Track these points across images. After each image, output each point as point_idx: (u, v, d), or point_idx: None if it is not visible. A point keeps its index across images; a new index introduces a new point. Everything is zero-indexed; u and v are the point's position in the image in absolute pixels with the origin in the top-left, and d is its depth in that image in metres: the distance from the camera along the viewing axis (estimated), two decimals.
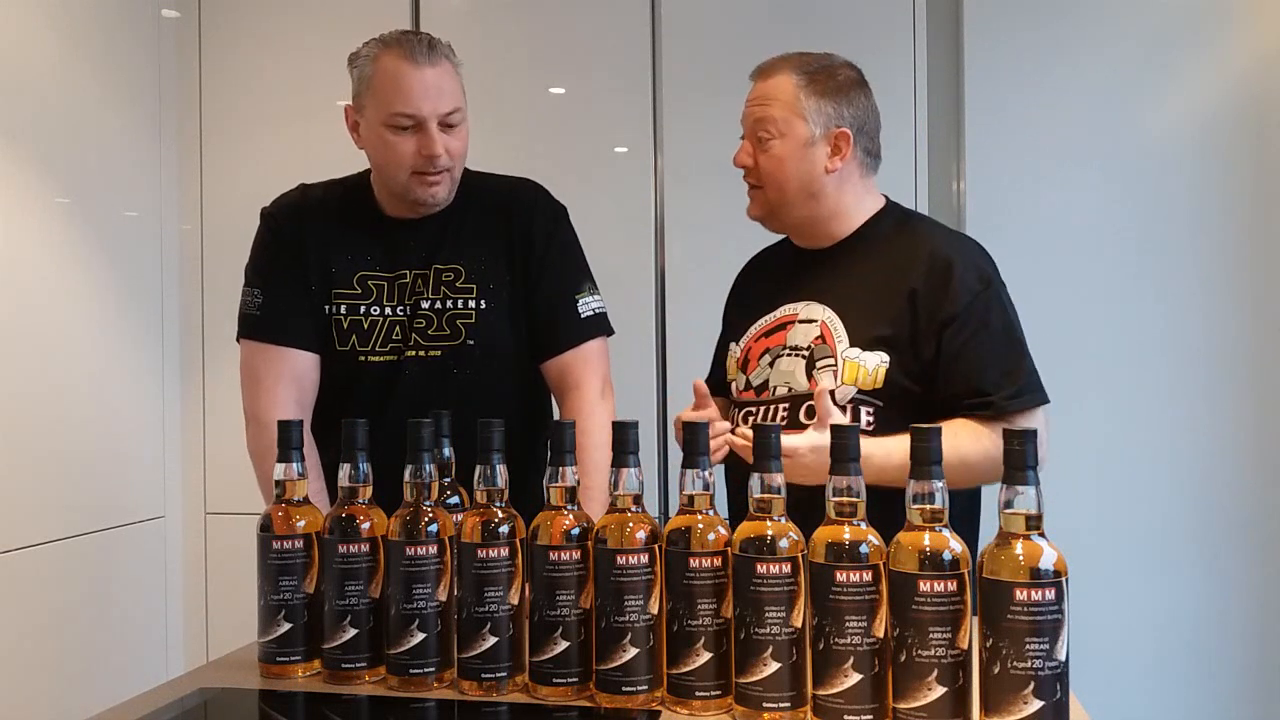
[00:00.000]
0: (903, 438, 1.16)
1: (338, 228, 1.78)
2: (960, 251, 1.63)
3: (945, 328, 1.56)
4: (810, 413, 1.56)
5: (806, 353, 1.62)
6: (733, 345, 1.75)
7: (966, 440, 1.49)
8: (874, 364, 1.58)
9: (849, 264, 1.67)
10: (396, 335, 1.74)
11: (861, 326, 1.60)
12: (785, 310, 1.68)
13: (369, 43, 1.73)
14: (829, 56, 1.67)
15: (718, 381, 1.78)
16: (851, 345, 1.59)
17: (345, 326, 1.74)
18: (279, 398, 1.70)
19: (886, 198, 1.73)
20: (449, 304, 1.75)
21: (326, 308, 1.75)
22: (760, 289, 1.77)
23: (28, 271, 2.31)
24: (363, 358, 1.74)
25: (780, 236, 1.80)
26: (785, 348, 1.65)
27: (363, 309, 1.74)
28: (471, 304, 1.75)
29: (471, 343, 1.74)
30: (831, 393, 1.54)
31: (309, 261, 1.76)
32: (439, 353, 1.74)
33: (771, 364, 1.66)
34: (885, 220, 1.70)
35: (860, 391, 1.57)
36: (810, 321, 1.64)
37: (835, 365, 1.59)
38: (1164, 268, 2.53)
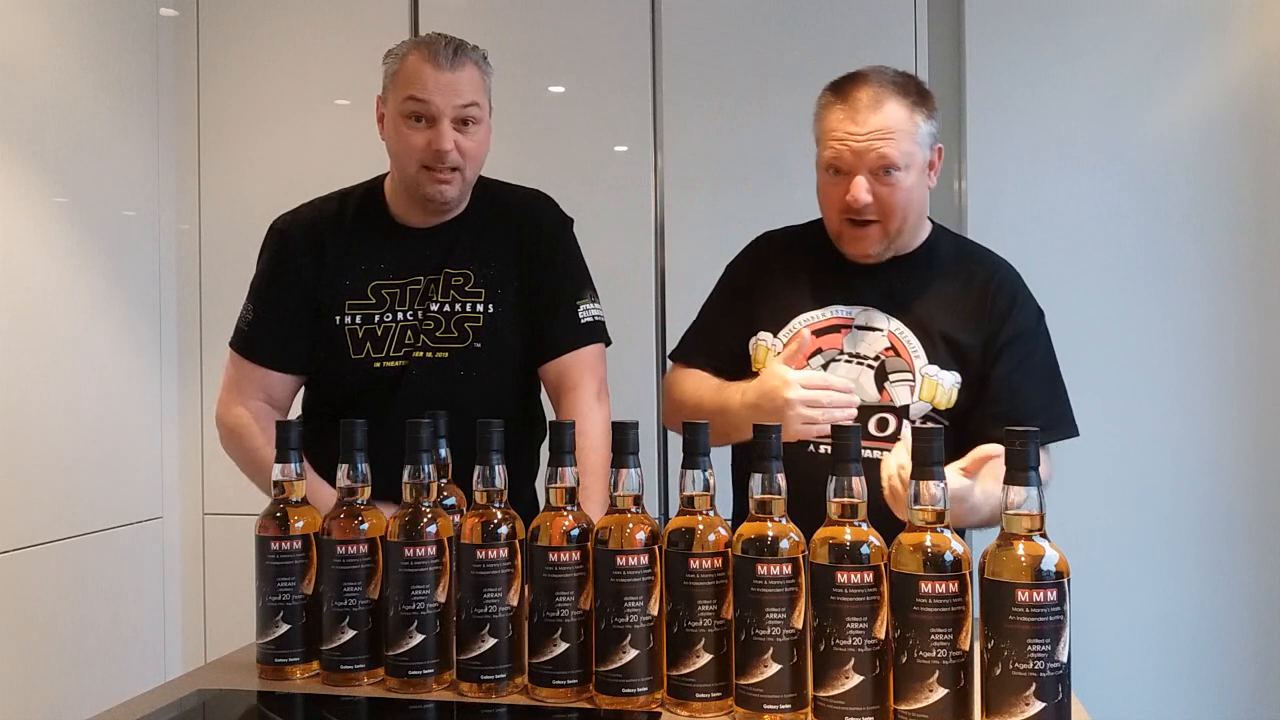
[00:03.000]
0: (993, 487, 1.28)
1: (352, 239, 1.79)
2: (1020, 282, 1.68)
3: (1005, 347, 1.58)
4: (880, 425, 1.57)
5: (875, 363, 1.60)
6: (767, 336, 1.68)
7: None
8: (950, 383, 1.58)
9: (914, 277, 1.65)
10: (408, 339, 1.75)
11: (938, 343, 1.59)
12: (837, 312, 1.64)
13: (405, 41, 1.77)
14: (908, 73, 1.63)
15: (705, 354, 1.73)
16: (930, 362, 1.58)
17: (360, 335, 1.76)
18: (246, 408, 1.77)
19: (931, 221, 1.73)
20: (457, 307, 1.76)
21: (338, 318, 1.76)
22: (794, 282, 1.70)
23: (26, 271, 2.30)
24: (377, 364, 1.75)
25: (784, 224, 1.79)
26: (842, 353, 1.62)
27: (376, 317, 1.76)
28: (480, 307, 1.77)
29: (479, 346, 1.76)
30: (906, 408, 1.57)
31: (321, 277, 1.77)
32: (446, 354, 1.75)
33: (825, 365, 1.62)
34: (944, 238, 1.71)
35: (934, 410, 1.58)
36: (873, 330, 1.61)
37: (913, 380, 1.58)
38: (1166, 266, 2.52)
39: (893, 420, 1.58)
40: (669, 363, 1.84)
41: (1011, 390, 1.58)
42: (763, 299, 1.71)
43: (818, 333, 1.63)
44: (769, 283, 1.72)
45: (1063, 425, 1.61)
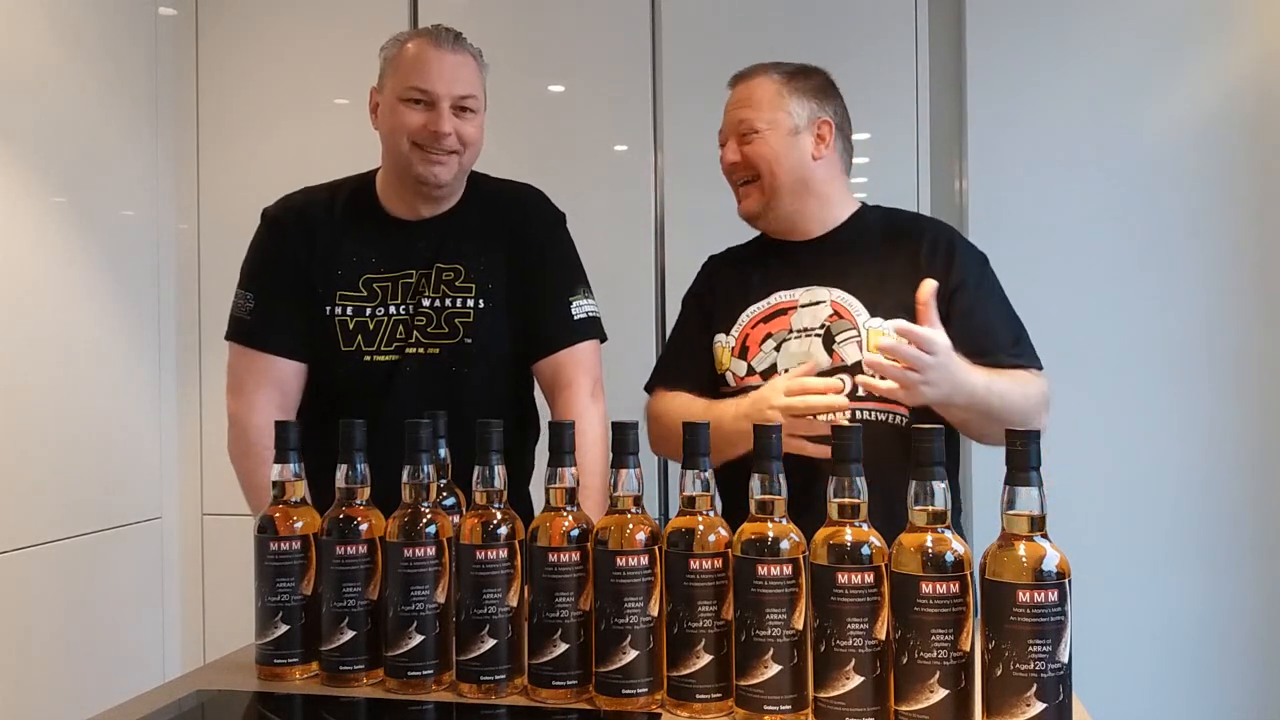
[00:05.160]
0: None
1: (342, 230, 1.78)
2: (956, 234, 1.76)
3: (955, 292, 1.64)
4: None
5: (820, 331, 1.65)
6: (722, 337, 1.74)
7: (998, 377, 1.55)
8: (892, 329, 1.60)
9: (846, 249, 1.72)
10: (400, 334, 1.74)
11: (879, 298, 1.65)
12: (781, 297, 1.70)
13: (403, 31, 1.79)
14: (804, 64, 1.76)
15: (684, 375, 1.76)
16: (872, 316, 1.64)
17: (351, 327, 1.74)
18: (260, 403, 1.73)
19: (862, 201, 1.80)
20: (448, 302, 1.75)
21: (328, 309, 1.75)
22: (741, 280, 1.77)
23: (24, 271, 2.30)
24: (368, 358, 1.74)
25: (752, 236, 1.84)
26: (791, 331, 1.67)
27: (368, 310, 1.75)
28: (470, 303, 1.76)
29: (469, 341, 1.75)
30: (858, 364, 1.60)
31: (313, 265, 1.76)
32: (438, 350, 1.74)
33: (777, 348, 1.67)
34: (871, 213, 1.78)
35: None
36: (816, 304, 1.68)
37: (858, 336, 1.64)
38: (1166, 267, 2.52)
39: (848, 379, 1.62)
40: (646, 394, 1.82)
41: (974, 329, 1.61)
42: (716, 305, 1.78)
43: (765, 319, 1.70)
44: (720, 289, 1.80)
45: (1032, 357, 1.66)
